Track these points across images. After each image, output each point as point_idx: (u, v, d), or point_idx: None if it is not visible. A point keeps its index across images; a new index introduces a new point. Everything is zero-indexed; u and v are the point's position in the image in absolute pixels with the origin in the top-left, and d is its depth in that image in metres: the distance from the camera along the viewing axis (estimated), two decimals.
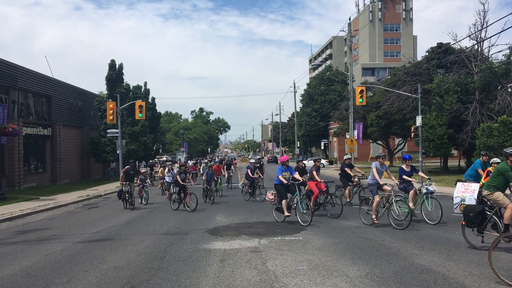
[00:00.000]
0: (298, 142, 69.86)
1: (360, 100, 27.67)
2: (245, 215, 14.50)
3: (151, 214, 15.58)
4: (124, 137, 34.83)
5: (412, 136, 30.02)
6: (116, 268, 7.95)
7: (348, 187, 16.13)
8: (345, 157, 17.20)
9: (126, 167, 18.56)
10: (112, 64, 38.74)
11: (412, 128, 29.38)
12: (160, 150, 65.69)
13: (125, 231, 12.07)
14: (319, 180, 13.97)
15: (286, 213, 12.40)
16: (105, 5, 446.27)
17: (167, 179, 20.77)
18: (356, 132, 36.59)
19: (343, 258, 8.37)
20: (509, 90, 31.52)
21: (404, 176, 12.45)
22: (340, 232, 11.15)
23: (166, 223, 13.36)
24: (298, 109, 74.34)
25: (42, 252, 9.58)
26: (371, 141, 49.94)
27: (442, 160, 37.28)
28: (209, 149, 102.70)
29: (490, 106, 30.01)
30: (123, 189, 17.52)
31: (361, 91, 27.74)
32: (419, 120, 27.47)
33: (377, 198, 11.84)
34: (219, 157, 47.21)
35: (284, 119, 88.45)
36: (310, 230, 11.51)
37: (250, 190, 19.50)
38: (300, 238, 10.47)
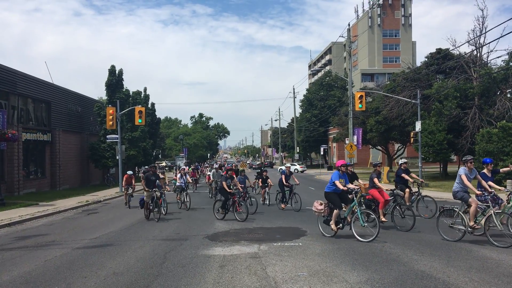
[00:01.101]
0: (298, 148, 69.86)
1: (360, 105, 27.71)
2: (245, 221, 14.46)
3: (150, 220, 15.52)
4: (124, 142, 34.81)
5: (412, 141, 30.05)
6: (115, 274, 7.92)
7: (407, 190, 14.10)
8: (400, 162, 14.78)
9: (146, 173, 16.82)
10: (112, 70, 38.83)
11: (412, 133, 29.42)
12: (160, 156, 65.68)
13: (124, 237, 12.04)
14: (382, 187, 12.55)
15: (334, 227, 10.90)
16: (105, 11, 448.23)
17: (178, 184, 20.09)
18: (355, 137, 36.61)
19: (343, 264, 8.34)
20: (508, 95, 31.58)
21: (491, 183, 10.56)
22: (340, 237, 11.11)
23: (165, 228, 13.32)
24: (297, 115, 74.44)
25: (41, 258, 9.55)
26: (370, 146, 49.97)
27: (441, 166, 37.26)
28: (208, 155, 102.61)
29: (489, 112, 30.06)
30: (145, 198, 15.74)
31: (361, 97, 27.79)
32: (418, 126, 27.49)
33: (474, 204, 10.02)
34: (218, 162, 47.06)
35: (284, 124, 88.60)
36: (310, 236, 11.48)
37: (285, 205, 17.60)
38: (300, 244, 10.45)
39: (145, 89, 48.61)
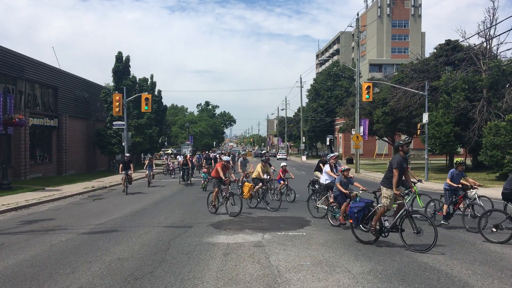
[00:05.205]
0: (304, 137, 69.80)
1: (367, 96, 27.60)
2: (249, 210, 14.50)
3: (156, 207, 15.63)
4: (130, 129, 34.92)
5: (418, 133, 29.87)
6: (120, 260, 8.00)
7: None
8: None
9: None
10: (119, 56, 38.82)
11: (419, 125, 29.23)
12: (166, 143, 65.87)
13: (130, 223, 12.13)
14: None
15: None
16: None
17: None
18: (362, 128, 36.48)
19: (346, 254, 8.36)
20: None
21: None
22: (344, 228, 11.12)
23: (170, 216, 13.40)
24: (304, 104, 74.22)
25: (47, 242, 9.64)
26: (377, 137, 49.76)
27: (448, 158, 37.08)
28: (214, 143, 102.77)
29: (498, 105, 29.78)
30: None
31: (368, 87, 27.65)
32: (425, 117, 27.31)
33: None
34: (223, 151, 46.79)
35: (290, 114, 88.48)
36: (314, 226, 11.50)
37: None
38: (304, 233, 10.47)
39: (151, 76, 48.61)
